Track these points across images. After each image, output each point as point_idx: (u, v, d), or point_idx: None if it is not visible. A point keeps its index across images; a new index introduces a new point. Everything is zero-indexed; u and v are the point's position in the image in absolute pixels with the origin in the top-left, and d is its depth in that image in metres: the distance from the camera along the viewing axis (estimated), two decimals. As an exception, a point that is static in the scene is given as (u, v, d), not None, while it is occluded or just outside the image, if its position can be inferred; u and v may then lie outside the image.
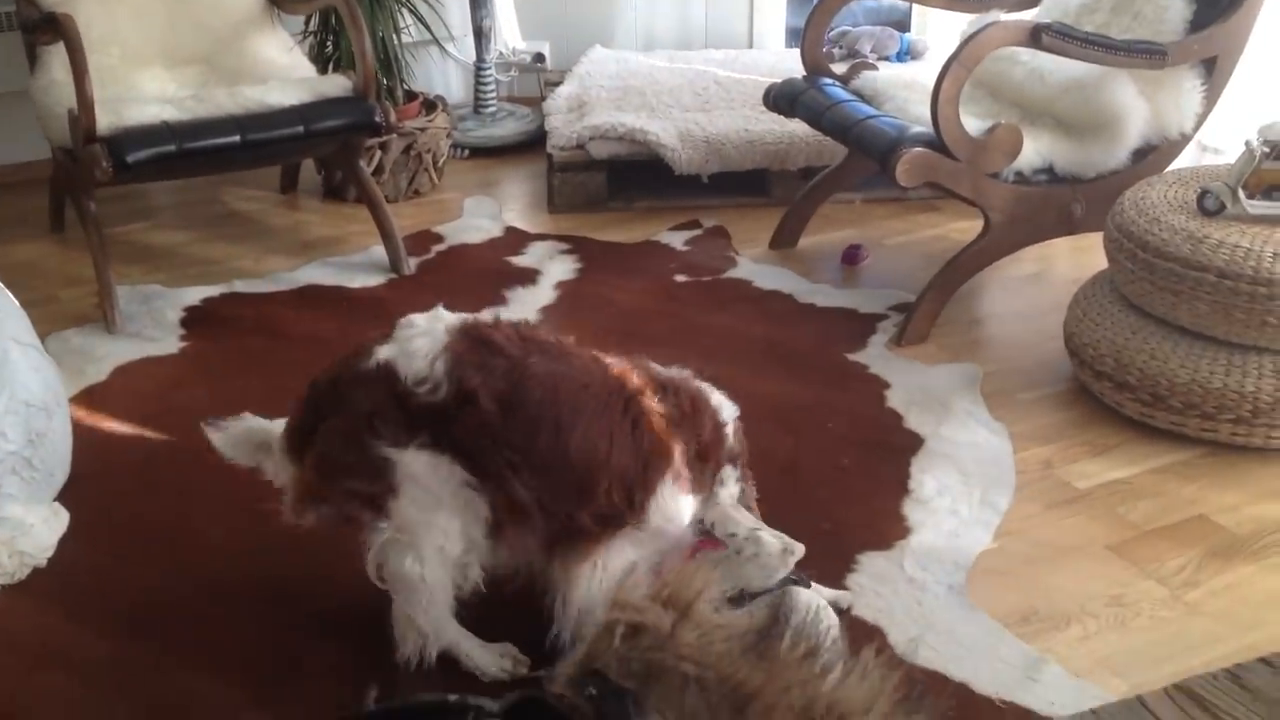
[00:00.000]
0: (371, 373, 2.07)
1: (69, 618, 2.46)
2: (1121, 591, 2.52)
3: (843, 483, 2.88)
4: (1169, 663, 2.32)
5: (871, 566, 2.58)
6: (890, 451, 2.99)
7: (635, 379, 2.20)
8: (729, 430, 2.28)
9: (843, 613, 2.40)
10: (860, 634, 2.39)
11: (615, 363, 2.23)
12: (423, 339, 2.06)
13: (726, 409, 2.30)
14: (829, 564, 2.58)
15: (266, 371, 3.36)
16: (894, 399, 3.24)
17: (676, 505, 2.19)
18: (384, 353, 2.07)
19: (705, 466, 2.24)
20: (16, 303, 2.92)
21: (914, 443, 3.03)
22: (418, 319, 2.13)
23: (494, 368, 2.05)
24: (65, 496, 2.76)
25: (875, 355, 3.47)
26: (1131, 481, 2.89)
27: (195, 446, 2.94)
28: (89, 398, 3.23)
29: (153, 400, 3.24)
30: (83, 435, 2.96)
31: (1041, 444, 3.03)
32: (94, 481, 2.86)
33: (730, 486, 2.29)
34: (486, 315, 2.24)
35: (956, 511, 2.75)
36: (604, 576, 2.16)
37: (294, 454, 2.19)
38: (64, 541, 2.65)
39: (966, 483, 2.86)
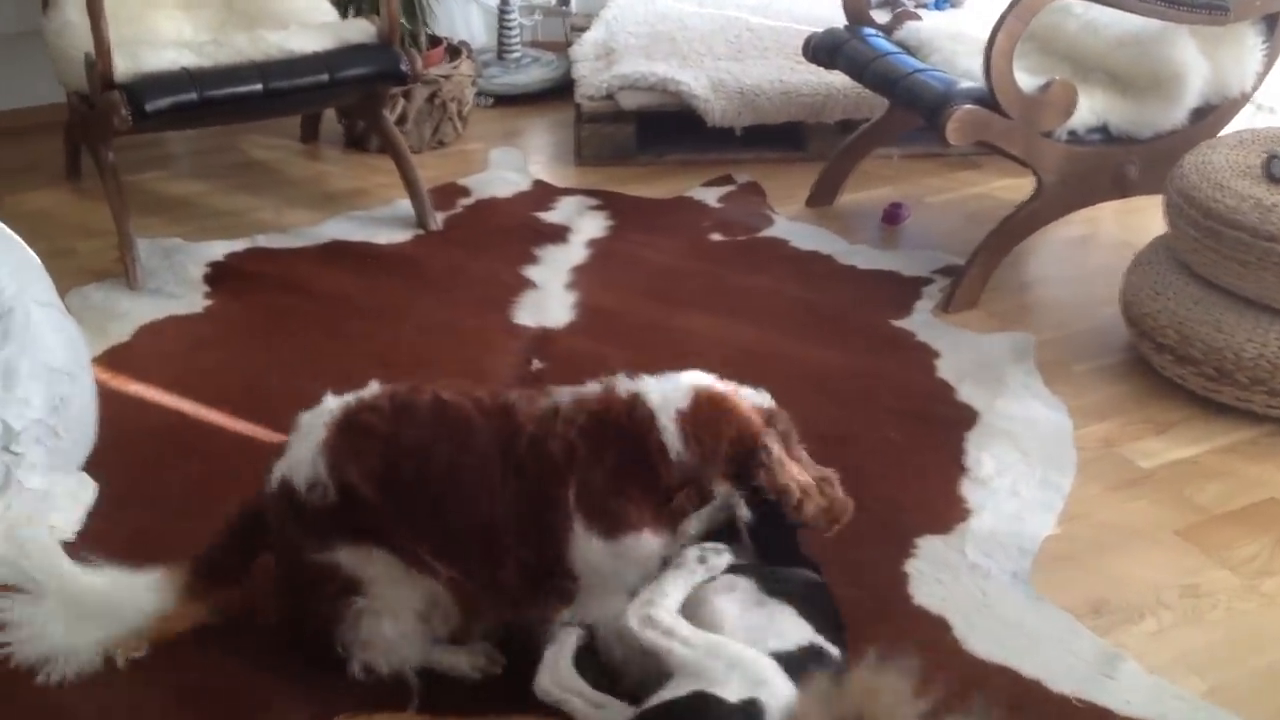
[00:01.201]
0: (274, 494, 2.07)
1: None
2: (1195, 581, 2.43)
3: (894, 458, 2.77)
4: (1250, 659, 2.24)
5: (931, 551, 2.48)
6: (943, 426, 2.89)
7: (519, 417, 2.03)
8: (670, 436, 2.00)
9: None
10: (924, 625, 2.29)
11: (500, 402, 2.08)
12: (304, 444, 2.04)
13: (666, 409, 2.01)
14: (884, 547, 2.49)
15: (293, 333, 3.25)
16: (944, 369, 3.12)
17: (599, 550, 1.99)
18: (278, 469, 2.07)
19: (649, 493, 2.01)
20: (38, 260, 2.80)
21: (968, 417, 2.92)
22: (304, 418, 2.10)
23: (366, 451, 2.00)
24: (91, 466, 2.66)
25: (922, 322, 3.35)
26: (1197, 461, 2.78)
27: (222, 412, 2.89)
28: (112, 358, 3.11)
29: (178, 361, 3.13)
30: (107, 399, 2.85)
31: (1101, 420, 2.92)
32: (121, 449, 2.75)
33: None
34: (373, 389, 2.13)
35: (1017, 493, 2.65)
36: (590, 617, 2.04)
37: (204, 583, 2.17)
38: (91, 514, 2.55)
39: (1026, 461, 2.75)
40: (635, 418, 2.01)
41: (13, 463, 2.43)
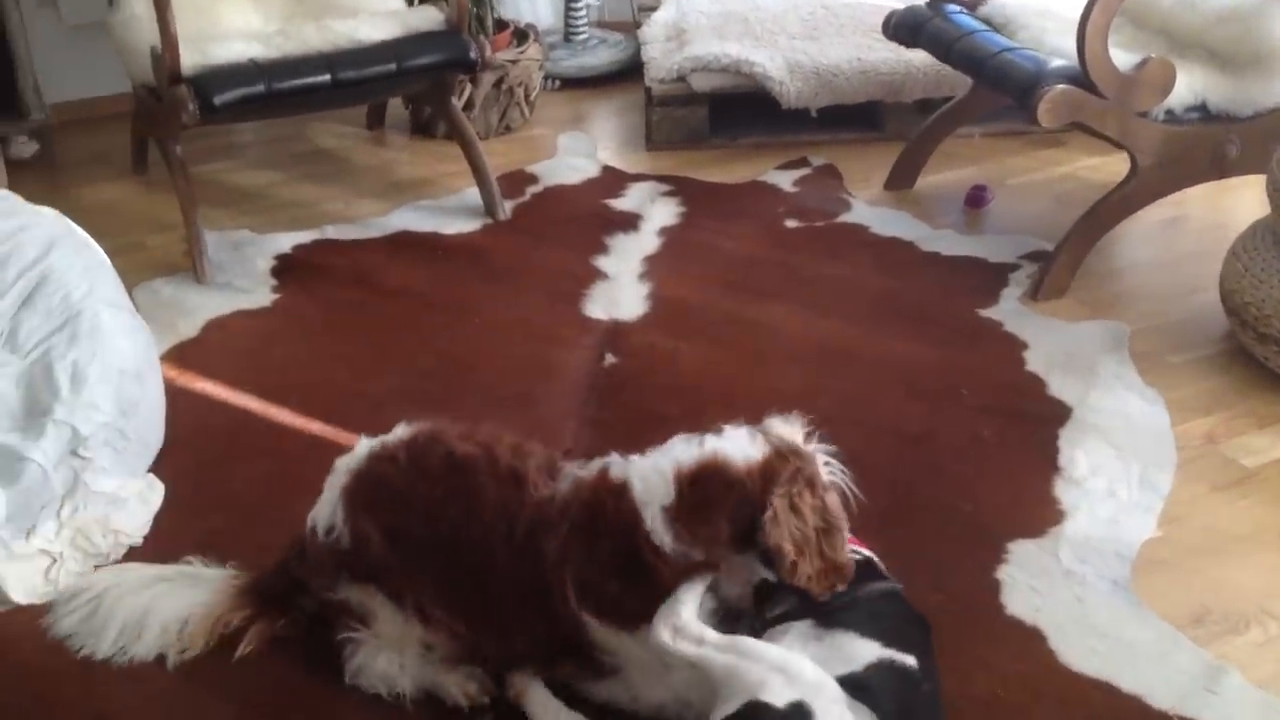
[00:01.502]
0: (305, 535, 2.12)
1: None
2: (1303, 589, 2.30)
3: (983, 457, 2.65)
4: (1366, 675, 2.10)
5: (1023, 557, 2.37)
6: (1034, 422, 2.76)
7: (525, 493, 1.95)
8: (659, 532, 1.86)
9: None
10: (1017, 636, 2.19)
11: (512, 468, 1.98)
12: (329, 489, 2.08)
13: (651, 503, 1.88)
14: (974, 552, 2.37)
15: (361, 328, 3.20)
16: (1034, 361, 2.99)
17: (623, 639, 1.90)
18: (312, 514, 2.11)
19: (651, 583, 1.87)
20: (106, 260, 2.77)
21: (1060, 412, 2.79)
22: (339, 462, 2.12)
23: (379, 503, 2.02)
24: (158, 467, 2.62)
25: (1009, 310, 3.22)
26: (1304, 458, 2.64)
27: (290, 410, 2.84)
28: (180, 355, 3.08)
29: (246, 358, 3.09)
30: (175, 397, 2.82)
31: (1201, 415, 2.79)
32: (188, 450, 2.71)
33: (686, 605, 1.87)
34: (399, 433, 2.10)
35: (1114, 493, 2.52)
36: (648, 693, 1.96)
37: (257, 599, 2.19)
38: (159, 517, 2.51)
39: (1123, 459, 2.62)
40: (623, 511, 1.88)
41: (81, 467, 2.40)
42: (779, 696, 1.71)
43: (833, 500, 1.91)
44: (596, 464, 2.01)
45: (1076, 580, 2.31)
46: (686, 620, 1.83)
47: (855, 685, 1.78)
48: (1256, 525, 2.46)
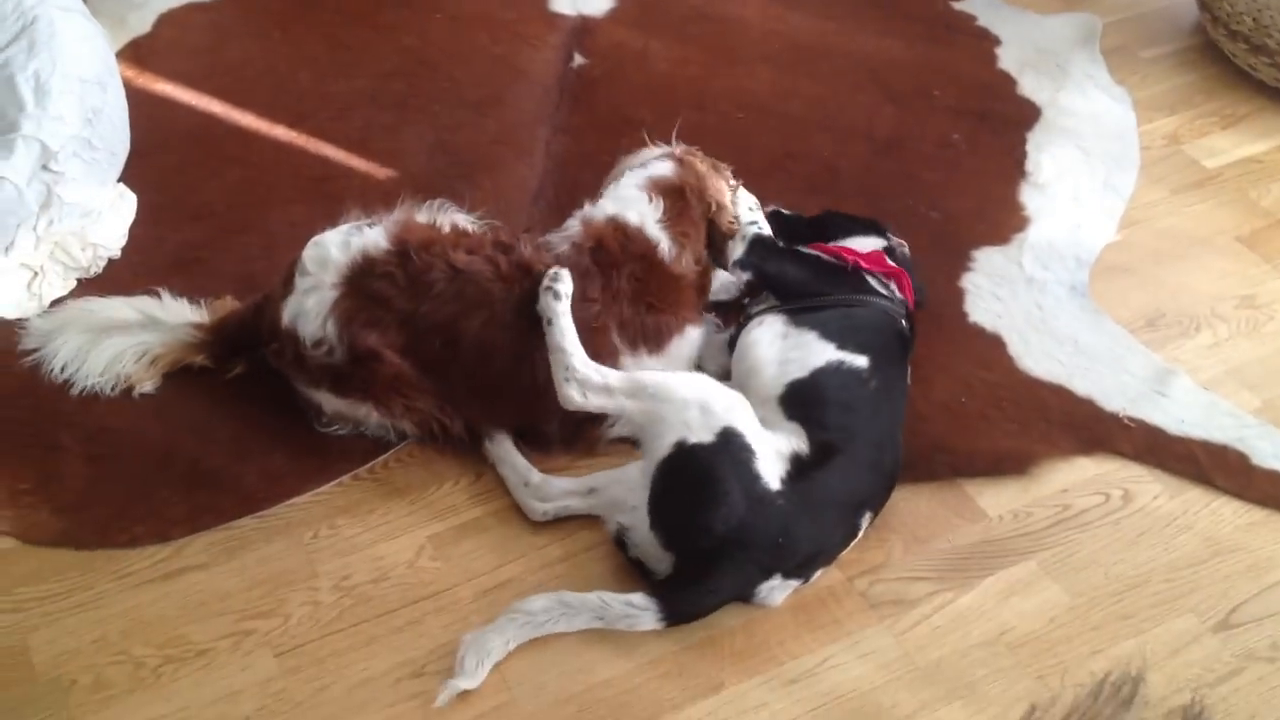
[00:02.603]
0: (283, 330, 2.03)
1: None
2: (1253, 291, 2.40)
3: (953, 163, 2.68)
4: (1305, 376, 2.23)
5: (988, 264, 2.44)
6: (1004, 124, 2.78)
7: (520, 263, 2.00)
8: (664, 246, 2.09)
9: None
10: (979, 343, 2.29)
11: (515, 259, 1.99)
12: (311, 297, 1.99)
13: (648, 223, 2.09)
14: (941, 261, 2.44)
15: (321, 23, 3.09)
16: (1006, 58, 2.98)
17: (654, 365, 2.08)
18: (287, 310, 2.02)
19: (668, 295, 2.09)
20: (48, -44, 2.64)
21: (1030, 114, 2.81)
22: (308, 258, 2.01)
23: (384, 322, 1.97)
24: (127, 177, 2.59)
25: (983, 3, 3.17)
26: (1264, 160, 2.70)
27: (255, 114, 2.79)
28: (135, 53, 2.98)
29: (204, 56, 3.00)
30: (136, 101, 2.73)
31: (1167, 114, 2.81)
32: (155, 156, 2.67)
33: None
34: (372, 237, 2.00)
35: (1078, 198, 2.58)
36: None
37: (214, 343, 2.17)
38: (133, 230, 2.50)
39: (1088, 162, 2.66)
40: (629, 239, 2.05)
41: (52, 181, 2.37)
42: (705, 430, 1.82)
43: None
44: (574, 220, 2.10)
45: (1038, 287, 2.39)
46: (581, 367, 1.90)
47: (798, 392, 1.92)
48: (1213, 228, 2.53)
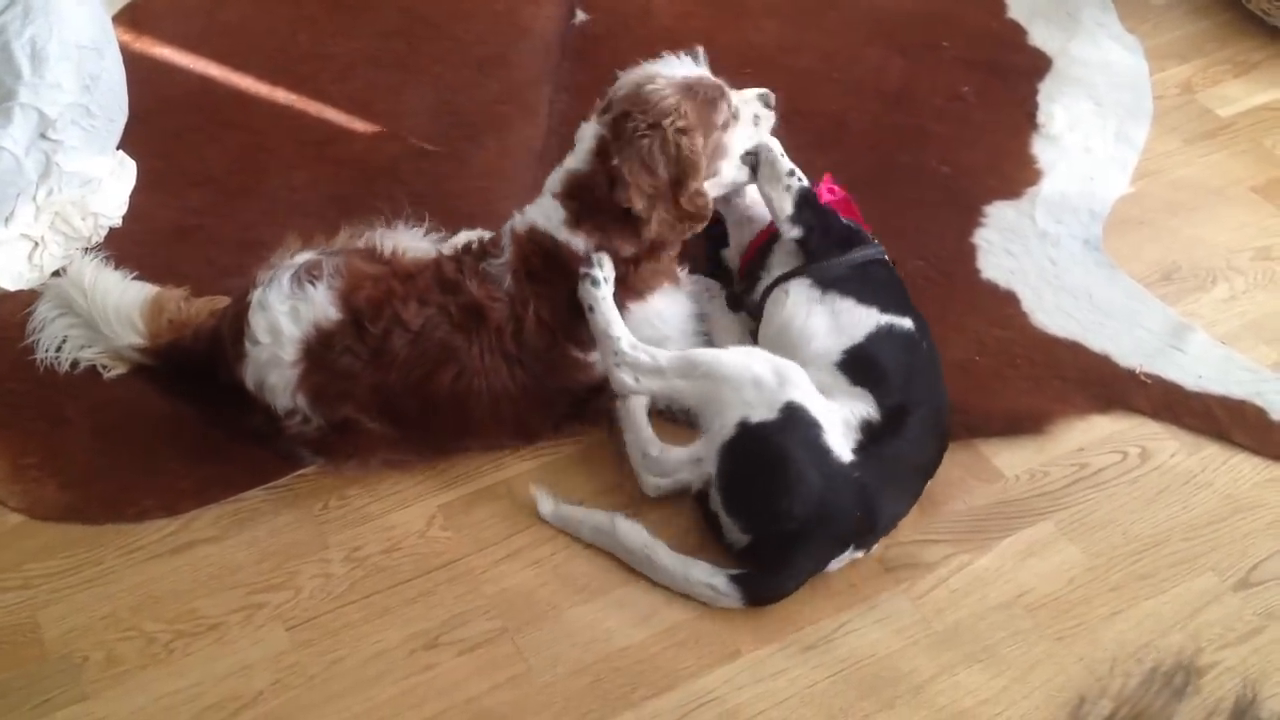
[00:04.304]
0: (251, 394, 1.94)
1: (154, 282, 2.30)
2: (1269, 243, 2.37)
3: (963, 116, 2.64)
4: (1324, 327, 2.20)
5: (1001, 219, 2.41)
6: (1014, 75, 2.73)
7: (490, 316, 1.91)
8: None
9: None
10: (993, 300, 2.26)
11: (465, 302, 1.91)
12: (274, 373, 1.90)
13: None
14: (953, 217, 2.41)
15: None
16: (1016, 7, 2.93)
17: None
18: (249, 376, 1.92)
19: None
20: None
21: (1041, 64, 2.76)
22: (259, 331, 1.89)
23: (355, 392, 1.90)
24: (126, 144, 2.55)
25: (991, -50, 3.10)
26: (1278, 108, 2.65)
27: (253, 77, 2.76)
28: (132, 17, 2.93)
29: (201, 18, 2.95)
30: (133, 66, 2.68)
31: (1180, 62, 2.76)
32: (154, 121, 2.64)
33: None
34: (321, 302, 1.89)
35: (1090, 149, 2.54)
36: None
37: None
38: (134, 197, 2.48)
39: (1100, 113, 2.62)
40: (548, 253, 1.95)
41: (51, 149, 2.34)
42: (766, 408, 1.77)
43: (689, 143, 1.90)
44: (505, 230, 2.00)
45: (1051, 241, 2.36)
46: (630, 350, 1.88)
47: (856, 359, 1.87)
48: (1228, 178, 2.50)
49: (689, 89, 1.93)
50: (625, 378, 1.88)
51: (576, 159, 1.97)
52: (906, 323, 1.93)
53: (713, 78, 2.01)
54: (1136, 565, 1.86)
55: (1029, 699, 1.71)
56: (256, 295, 1.92)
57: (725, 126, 1.98)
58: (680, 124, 1.88)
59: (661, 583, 1.82)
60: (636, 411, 1.96)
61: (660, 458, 1.92)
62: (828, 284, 1.96)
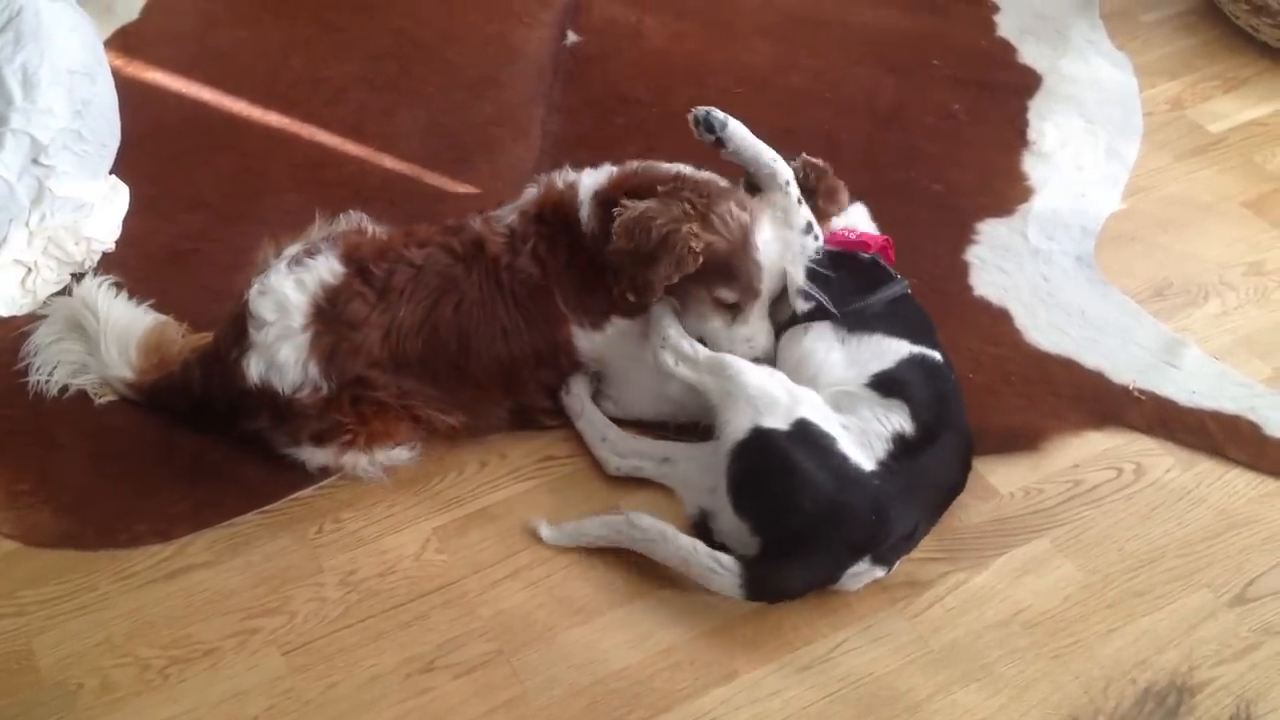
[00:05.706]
0: (253, 392, 1.93)
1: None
2: (1261, 258, 2.37)
3: (954, 134, 2.65)
4: (1315, 341, 2.20)
5: (993, 237, 2.41)
6: (1005, 93, 2.75)
7: (490, 249, 1.96)
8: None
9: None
10: (986, 317, 2.26)
11: (468, 238, 1.98)
12: (285, 345, 1.90)
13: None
14: (945, 235, 2.42)
15: (310, 6, 3.05)
16: (1005, 26, 2.94)
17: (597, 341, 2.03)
18: (253, 368, 1.92)
19: None
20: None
21: (1031, 82, 2.77)
22: (264, 310, 1.91)
23: (366, 342, 1.91)
24: (119, 168, 2.56)
25: (980, -32, 3.12)
26: (1268, 123, 2.66)
27: (246, 100, 2.76)
28: (124, 42, 2.94)
29: (193, 42, 2.96)
30: (125, 91, 2.70)
31: (1169, 78, 2.78)
32: (146, 145, 2.64)
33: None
34: (327, 264, 1.93)
35: (1081, 166, 2.55)
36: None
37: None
38: (128, 221, 2.48)
39: (1091, 130, 2.63)
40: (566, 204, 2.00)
41: (43, 175, 2.34)
42: (779, 420, 1.80)
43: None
44: (527, 189, 2.07)
45: (1043, 258, 2.37)
46: (677, 337, 1.94)
47: (888, 380, 1.88)
48: (1218, 194, 2.50)
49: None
50: (667, 358, 1.94)
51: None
52: (936, 355, 1.95)
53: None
54: (1132, 582, 1.86)
55: (1026, 718, 1.70)
56: (254, 288, 1.94)
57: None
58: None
59: (670, 564, 1.82)
60: (583, 398, 2.04)
61: (617, 440, 2.01)
62: (853, 325, 1.96)
